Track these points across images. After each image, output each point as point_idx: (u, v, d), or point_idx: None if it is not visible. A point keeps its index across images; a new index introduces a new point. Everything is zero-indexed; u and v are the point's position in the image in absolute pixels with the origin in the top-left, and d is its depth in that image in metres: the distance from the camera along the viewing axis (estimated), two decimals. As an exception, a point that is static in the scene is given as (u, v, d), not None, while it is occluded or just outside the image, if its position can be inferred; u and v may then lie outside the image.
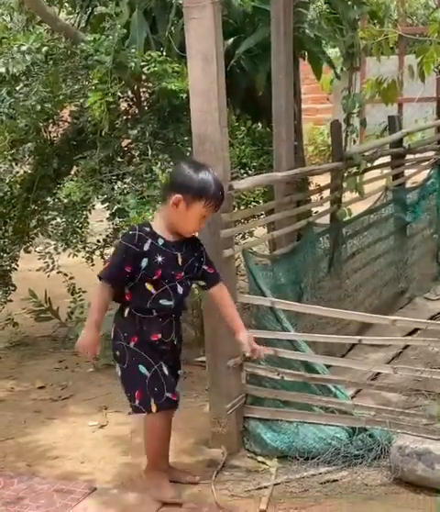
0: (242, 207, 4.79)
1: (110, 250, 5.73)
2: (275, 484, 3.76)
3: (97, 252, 5.79)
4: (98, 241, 5.81)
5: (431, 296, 6.38)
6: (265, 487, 3.74)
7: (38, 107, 4.38)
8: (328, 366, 4.07)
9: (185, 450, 4.14)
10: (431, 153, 6.70)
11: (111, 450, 4.26)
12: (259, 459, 4.02)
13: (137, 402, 3.58)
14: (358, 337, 3.90)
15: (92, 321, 3.47)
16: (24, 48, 4.36)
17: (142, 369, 3.52)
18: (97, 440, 4.38)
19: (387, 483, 3.72)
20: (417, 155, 6.51)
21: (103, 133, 4.52)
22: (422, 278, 6.45)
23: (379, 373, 4.44)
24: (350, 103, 4.39)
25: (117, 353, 3.58)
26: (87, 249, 5.72)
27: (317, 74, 5.71)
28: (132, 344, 3.51)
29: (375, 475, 3.79)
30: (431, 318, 5.84)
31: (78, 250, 5.64)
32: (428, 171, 6.74)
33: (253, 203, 4.87)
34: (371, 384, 3.99)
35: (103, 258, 5.80)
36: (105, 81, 4.26)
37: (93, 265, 5.80)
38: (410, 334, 5.30)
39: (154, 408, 3.57)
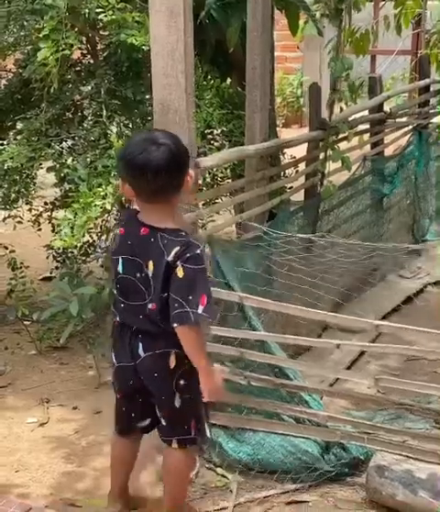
0: (207, 183, 4.23)
1: (59, 214, 5.18)
2: (236, 505, 3.33)
3: (45, 215, 5.24)
4: (46, 203, 5.25)
5: (405, 274, 5.94)
6: (224, 508, 3.30)
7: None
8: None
9: (139, 458, 3.63)
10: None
11: (51, 455, 3.76)
12: (219, 471, 3.57)
13: (193, 433, 3.01)
14: (335, 341, 3.41)
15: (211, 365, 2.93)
16: None
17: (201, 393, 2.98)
18: (36, 442, 3.87)
19: (362, 506, 3.32)
20: (397, 120, 5.99)
21: (52, 90, 3.88)
22: (397, 254, 5.98)
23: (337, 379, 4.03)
24: (338, 66, 3.80)
25: (182, 382, 2.91)
26: (34, 212, 5.17)
27: (293, 28, 5.10)
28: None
29: (349, 496, 3.39)
30: (405, 300, 5.43)
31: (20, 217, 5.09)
32: (408, 136, 6.23)
33: (219, 179, 4.30)
34: (350, 395, 3.53)
35: (50, 222, 5.25)
36: (59, 29, 3.62)
37: (39, 230, 5.26)
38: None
39: (208, 433, 3.12)
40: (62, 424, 4.04)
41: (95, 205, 3.48)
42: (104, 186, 3.64)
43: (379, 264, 5.71)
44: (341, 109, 4.31)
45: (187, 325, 2.72)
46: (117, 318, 2.95)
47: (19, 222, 5.19)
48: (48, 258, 5.17)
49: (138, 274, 2.81)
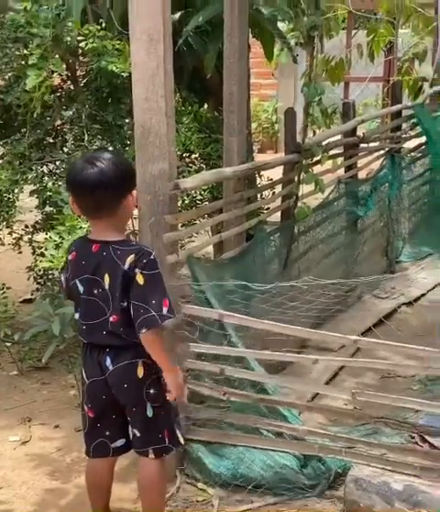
0: (186, 204, 4.34)
1: (39, 237, 5.26)
2: (217, 519, 3.39)
3: (26, 238, 5.31)
4: (26, 227, 5.32)
5: (380, 294, 6.06)
6: (206, 523, 3.38)
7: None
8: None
9: (116, 475, 3.70)
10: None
11: (34, 472, 3.82)
12: (200, 486, 3.64)
13: (167, 441, 3.11)
14: (313, 356, 3.51)
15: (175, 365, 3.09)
16: None
17: (171, 402, 3.11)
18: (18, 460, 3.93)
19: (341, 518, 3.39)
20: (370, 144, 6.14)
21: (35, 114, 3.99)
22: (371, 275, 6.10)
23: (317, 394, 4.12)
24: (312, 91, 3.94)
25: (152, 391, 3.03)
26: (14, 235, 5.25)
27: (269, 55, 5.26)
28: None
29: (327, 509, 3.46)
30: (380, 319, 5.55)
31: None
32: (381, 160, 6.39)
33: (198, 200, 4.42)
34: (327, 409, 3.62)
35: (31, 245, 5.33)
36: (46, 57, 3.74)
37: (20, 253, 5.33)
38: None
39: (182, 441, 3.20)
40: (44, 442, 4.09)
41: (81, 228, 3.58)
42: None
43: (354, 285, 5.84)
44: (314, 133, 4.44)
45: (155, 328, 2.85)
46: (84, 340, 3.06)
47: (2, 244, 5.26)
48: (29, 279, 5.23)
49: (96, 291, 2.94)
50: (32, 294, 5.43)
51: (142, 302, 2.84)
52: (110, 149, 4.22)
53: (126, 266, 2.84)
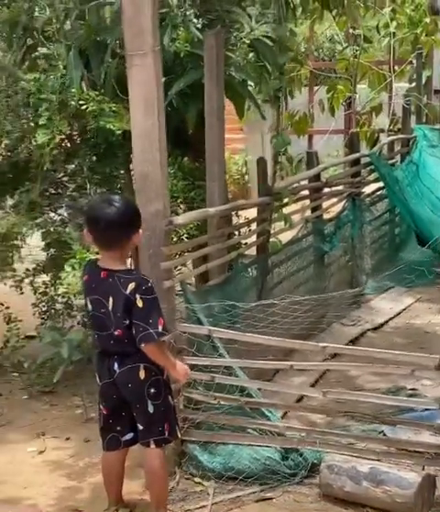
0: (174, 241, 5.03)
1: (42, 278, 5.92)
2: (213, 504, 3.99)
3: (27, 280, 5.94)
4: (27, 270, 5.95)
5: (347, 322, 6.72)
6: (204, 507, 3.96)
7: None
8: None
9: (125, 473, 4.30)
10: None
11: (51, 475, 4.40)
12: (196, 480, 4.23)
13: (166, 434, 3.72)
14: (289, 363, 4.18)
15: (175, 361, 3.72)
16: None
17: (170, 400, 3.74)
18: (37, 466, 4.51)
19: (317, 500, 4.00)
20: (333, 188, 6.90)
21: (45, 168, 4.70)
22: (338, 305, 6.79)
23: (303, 396, 4.74)
24: (279, 142, 4.69)
25: (152, 391, 3.65)
26: (16, 277, 5.86)
27: (240, 113, 5.97)
28: (165, 376, 3.69)
29: (306, 492, 4.07)
30: (348, 343, 6.19)
31: (3, 278, 5.78)
32: (343, 203, 7.13)
33: (185, 236, 5.12)
34: (304, 407, 4.26)
35: (32, 286, 5.96)
36: (54, 119, 4.45)
37: (21, 294, 5.95)
38: (328, 359, 5.66)
39: (179, 434, 3.85)
40: (58, 451, 4.67)
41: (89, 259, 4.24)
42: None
43: (323, 315, 6.51)
44: (282, 178, 5.17)
45: (152, 342, 3.51)
46: (98, 349, 3.74)
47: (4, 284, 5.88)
48: (34, 315, 5.86)
49: (102, 310, 3.60)
50: (36, 329, 6.02)
51: (141, 321, 3.49)
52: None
53: (128, 292, 3.49)
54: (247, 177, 13.59)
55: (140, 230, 3.61)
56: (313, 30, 12.37)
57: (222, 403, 4.24)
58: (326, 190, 6.81)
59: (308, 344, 4.21)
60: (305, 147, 12.05)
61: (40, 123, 4.52)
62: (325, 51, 17.68)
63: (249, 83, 5.65)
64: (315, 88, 12.11)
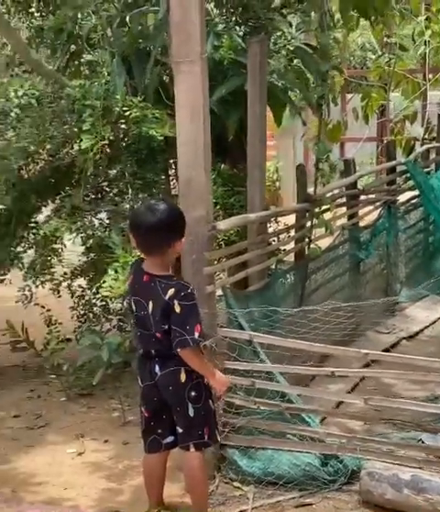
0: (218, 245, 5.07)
1: (79, 282, 5.99)
2: (253, 508, 4.01)
3: (65, 284, 6.01)
4: (65, 274, 6.02)
5: (382, 330, 6.72)
6: (243, 511, 3.98)
7: (32, 148, 4.61)
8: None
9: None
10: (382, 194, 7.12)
11: (91, 477, 4.44)
12: (236, 484, 4.25)
13: (206, 437, 3.75)
14: (331, 369, 4.18)
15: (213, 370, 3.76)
16: (20, 92, 4.61)
17: (211, 404, 3.77)
18: (77, 467, 4.56)
19: (357, 506, 4.00)
20: (369, 196, 6.90)
21: (88, 173, 4.76)
22: (373, 312, 6.79)
23: (341, 402, 4.75)
24: (321, 149, 4.72)
25: (193, 394, 3.68)
26: (54, 281, 5.92)
27: (278, 120, 6.03)
28: (205, 380, 3.72)
29: (346, 499, 4.07)
30: (383, 351, 6.18)
31: (44, 282, 5.84)
32: (379, 210, 7.13)
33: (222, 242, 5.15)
34: (344, 414, 4.27)
35: (70, 289, 6.03)
36: (97, 125, 4.51)
37: (59, 297, 6.02)
38: (365, 366, 5.66)
39: (219, 438, 3.88)
40: (98, 453, 4.72)
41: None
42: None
43: (358, 322, 6.51)
44: (323, 184, 5.18)
45: (188, 348, 3.54)
46: (140, 351, 3.76)
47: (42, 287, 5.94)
48: (73, 318, 5.93)
49: (143, 312, 3.65)
50: (74, 331, 6.07)
51: (179, 327, 3.52)
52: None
53: (167, 297, 3.53)
54: (278, 184, 13.62)
55: (183, 239, 3.63)
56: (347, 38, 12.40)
57: (262, 408, 4.25)
58: (363, 197, 6.81)
59: (350, 350, 4.22)
60: (337, 155, 12.10)
61: (84, 128, 4.57)
62: (357, 59, 17.71)
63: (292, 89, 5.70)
64: (348, 96, 12.14)
